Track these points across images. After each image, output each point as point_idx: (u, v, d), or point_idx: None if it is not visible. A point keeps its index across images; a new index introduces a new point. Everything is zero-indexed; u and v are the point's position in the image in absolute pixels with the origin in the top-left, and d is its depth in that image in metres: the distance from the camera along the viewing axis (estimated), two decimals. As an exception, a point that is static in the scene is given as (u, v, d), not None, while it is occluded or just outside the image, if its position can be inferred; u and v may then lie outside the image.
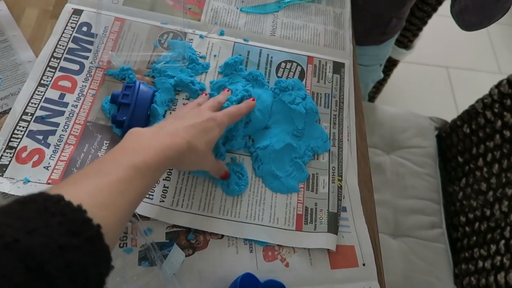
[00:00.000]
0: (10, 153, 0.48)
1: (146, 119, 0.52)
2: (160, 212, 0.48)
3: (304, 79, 0.61)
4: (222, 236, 0.49)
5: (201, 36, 0.62)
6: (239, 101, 0.53)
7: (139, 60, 0.58)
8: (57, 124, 0.51)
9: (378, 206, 0.57)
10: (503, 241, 0.73)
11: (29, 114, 0.51)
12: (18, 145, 0.49)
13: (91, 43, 0.58)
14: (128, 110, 0.50)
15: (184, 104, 0.55)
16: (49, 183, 0.47)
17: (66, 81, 0.55)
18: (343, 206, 0.53)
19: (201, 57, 0.60)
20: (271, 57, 0.62)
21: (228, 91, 0.54)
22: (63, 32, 0.58)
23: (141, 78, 0.57)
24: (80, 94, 0.54)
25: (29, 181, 0.47)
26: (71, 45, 0.57)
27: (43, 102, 0.52)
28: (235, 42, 0.62)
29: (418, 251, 0.86)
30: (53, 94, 0.53)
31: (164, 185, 0.50)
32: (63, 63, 0.56)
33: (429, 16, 0.98)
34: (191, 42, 0.61)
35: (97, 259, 0.28)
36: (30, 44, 0.57)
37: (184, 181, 0.51)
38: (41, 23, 0.60)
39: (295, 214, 0.51)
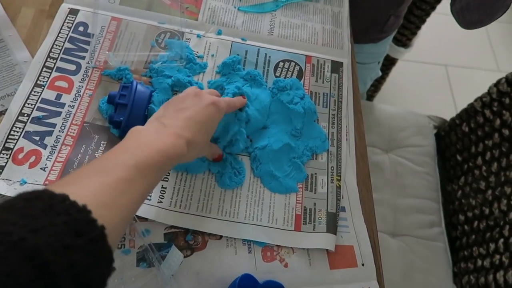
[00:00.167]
0: (7, 154, 0.48)
1: (144, 119, 0.52)
2: (158, 213, 0.48)
3: (302, 79, 0.61)
4: (221, 236, 0.48)
5: (198, 36, 0.61)
6: None
7: (136, 60, 0.58)
8: (53, 125, 0.51)
9: (377, 205, 0.57)
10: (502, 240, 0.73)
11: (25, 115, 0.51)
12: (14, 146, 0.49)
13: (88, 43, 0.57)
14: (125, 110, 0.50)
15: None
16: (46, 184, 0.47)
17: (63, 82, 0.54)
18: (342, 206, 0.53)
19: (198, 57, 0.60)
20: (269, 57, 0.61)
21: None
22: (59, 32, 0.57)
23: (138, 78, 0.56)
24: (76, 95, 0.54)
25: (26, 183, 0.47)
26: (67, 45, 0.57)
27: (40, 102, 0.52)
28: (232, 41, 0.62)
29: (417, 250, 0.86)
30: (49, 94, 0.53)
31: (162, 186, 0.50)
32: (60, 63, 0.55)
33: (428, 14, 0.98)
34: (189, 42, 0.60)
35: (99, 260, 0.28)
36: (26, 44, 0.57)
37: (182, 182, 0.50)
38: (37, 23, 0.59)
39: (294, 214, 0.51)
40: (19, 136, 0.49)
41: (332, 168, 0.55)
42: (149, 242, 0.46)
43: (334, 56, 0.64)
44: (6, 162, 0.47)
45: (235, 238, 0.48)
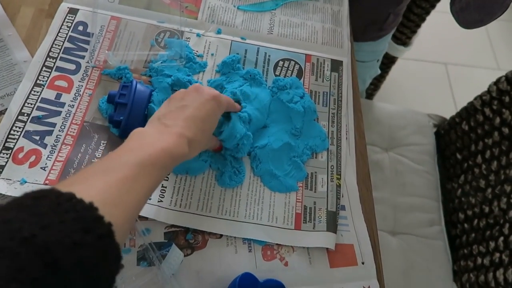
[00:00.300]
0: (7, 154, 0.48)
1: (144, 118, 0.52)
2: (158, 212, 0.48)
3: (302, 78, 0.61)
4: (221, 235, 0.48)
5: (198, 35, 0.61)
6: None
7: (136, 59, 0.58)
8: (53, 125, 0.51)
9: (376, 204, 0.57)
10: (501, 238, 0.73)
11: (25, 115, 0.51)
12: (14, 145, 0.49)
13: (87, 42, 0.57)
14: (125, 110, 0.50)
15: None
16: (46, 184, 0.47)
17: (63, 81, 0.54)
18: (342, 205, 0.53)
19: (198, 56, 0.60)
20: (269, 56, 0.61)
21: None
22: (59, 32, 0.57)
23: (138, 77, 0.56)
24: (76, 94, 0.54)
25: (26, 182, 0.47)
26: (67, 44, 0.57)
27: (39, 102, 0.52)
28: (232, 40, 0.62)
29: (417, 249, 0.86)
30: (49, 94, 0.53)
31: (163, 185, 0.50)
32: (59, 63, 0.55)
33: (428, 13, 0.98)
34: (188, 41, 0.60)
35: (108, 257, 0.28)
36: (26, 43, 0.57)
37: (182, 181, 0.50)
38: (37, 22, 0.59)
39: (294, 213, 0.51)
40: (19, 136, 0.49)
41: (332, 167, 0.55)
42: (150, 241, 0.46)
43: (333, 55, 0.64)
44: (6, 162, 0.47)
45: (235, 237, 0.48)
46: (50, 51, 0.56)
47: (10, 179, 0.47)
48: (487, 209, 0.79)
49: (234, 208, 0.50)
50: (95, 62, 0.56)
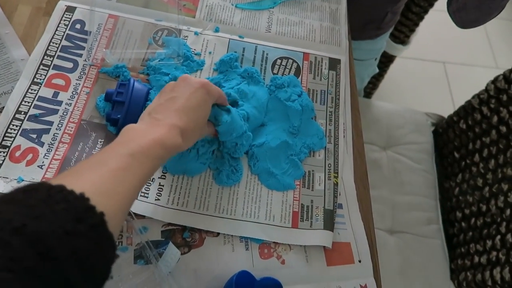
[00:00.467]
0: (4, 152, 0.48)
1: (141, 117, 0.52)
2: (155, 211, 0.48)
3: (300, 76, 0.61)
4: (218, 234, 0.48)
5: (196, 33, 0.61)
6: None
7: (134, 57, 0.58)
8: (51, 123, 0.51)
9: (374, 202, 0.57)
10: (499, 237, 0.73)
11: (22, 113, 0.51)
12: (11, 144, 0.49)
13: (85, 40, 0.57)
14: (123, 108, 0.50)
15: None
16: (43, 182, 0.47)
17: (60, 79, 0.54)
18: (339, 203, 0.53)
19: (196, 54, 0.59)
20: (267, 54, 0.61)
21: None
22: (56, 30, 0.57)
23: (136, 75, 0.56)
24: (74, 92, 0.54)
25: (23, 180, 0.47)
26: (64, 42, 0.57)
27: (37, 100, 0.52)
28: (230, 39, 0.62)
29: (414, 247, 0.86)
30: (46, 92, 0.53)
31: (160, 183, 0.50)
32: (57, 61, 0.55)
33: (426, 11, 0.97)
34: (186, 39, 0.60)
35: (102, 246, 0.28)
36: (23, 42, 0.57)
37: (180, 180, 0.50)
38: (34, 20, 0.59)
39: (291, 211, 0.51)
40: (16, 134, 0.49)
41: (329, 165, 0.55)
42: (147, 240, 0.46)
43: (331, 53, 0.64)
44: (3, 160, 0.47)
45: (232, 235, 0.48)
46: (47, 49, 0.56)
47: (7, 178, 0.47)
48: (484, 208, 0.79)
49: (232, 206, 0.50)
50: (93, 60, 0.56)
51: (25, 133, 0.49)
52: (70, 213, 0.27)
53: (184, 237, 0.48)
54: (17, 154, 0.48)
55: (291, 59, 0.62)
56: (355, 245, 0.51)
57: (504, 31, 1.85)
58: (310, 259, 0.49)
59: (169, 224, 0.48)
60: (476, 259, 0.77)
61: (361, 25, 0.87)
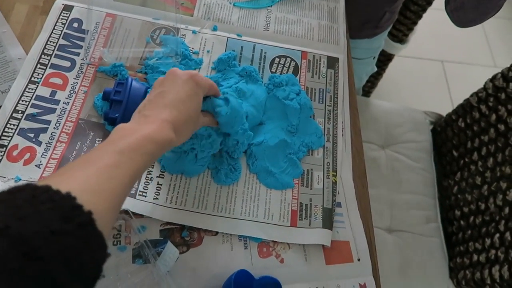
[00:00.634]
0: (1, 152, 0.48)
1: (139, 116, 0.51)
2: (154, 210, 0.48)
3: (298, 75, 0.61)
4: (217, 233, 0.48)
5: (194, 32, 0.61)
6: None
7: (131, 56, 0.57)
8: (48, 122, 0.51)
9: (373, 201, 0.57)
10: (497, 235, 0.73)
11: (19, 112, 0.50)
12: (9, 143, 0.48)
13: (82, 39, 0.57)
14: (121, 107, 0.50)
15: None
16: (41, 182, 0.47)
17: (57, 78, 0.54)
18: (337, 202, 0.53)
19: (194, 53, 0.59)
20: (265, 53, 0.61)
21: None
22: (54, 29, 0.57)
23: (134, 74, 0.56)
24: (71, 91, 0.53)
25: (20, 180, 0.46)
26: (61, 41, 0.56)
27: (34, 99, 0.52)
28: (228, 37, 0.62)
29: (413, 246, 0.86)
30: (44, 91, 0.53)
31: (158, 182, 0.49)
32: (54, 60, 0.55)
33: (424, 10, 0.97)
34: (184, 38, 0.60)
35: (91, 245, 0.28)
36: (20, 40, 0.56)
37: (178, 179, 0.50)
38: (31, 19, 0.59)
39: (290, 210, 0.51)
40: (14, 133, 0.49)
41: (328, 164, 0.55)
42: (145, 239, 0.45)
43: (330, 52, 0.64)
44: (1, 159, 0.47)
45: (231, 234, 0.48)
46: (44, 48, 0.55)
47: (4, 177, 0.46)
48: (483, 206, 0.79)
49: (230, 205, 0.50)
50: (90, 59, 0.56)
51: (22, 132, 0.49)
52: (56, 213, 0.26)
53: (183, 236, 0.47)
54: (15, 153, 0.48)
55: (289, 57, 0.62)
56: (354, 244, 0.51)
57: (502, 29, 1.85)
58: (309, 258, 0.49)
59: (168, 223, 0.48)
60: (475, 257, 0.77)
61: (359, 24, 0.87)
